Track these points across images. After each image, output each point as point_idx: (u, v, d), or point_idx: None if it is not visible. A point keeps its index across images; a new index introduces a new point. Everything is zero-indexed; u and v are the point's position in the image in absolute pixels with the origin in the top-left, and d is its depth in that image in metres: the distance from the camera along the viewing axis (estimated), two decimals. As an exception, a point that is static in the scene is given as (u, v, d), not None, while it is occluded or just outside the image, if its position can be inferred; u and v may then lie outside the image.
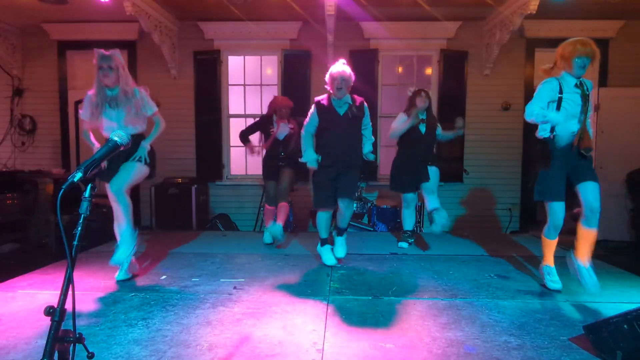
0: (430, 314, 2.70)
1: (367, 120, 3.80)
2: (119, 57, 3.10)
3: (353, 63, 6.28)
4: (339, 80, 3.52)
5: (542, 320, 2.61)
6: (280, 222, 4.37)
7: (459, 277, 3.50)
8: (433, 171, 4.32)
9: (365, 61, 6.35)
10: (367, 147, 3.86)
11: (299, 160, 4.46)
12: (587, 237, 2.99)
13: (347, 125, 3.67)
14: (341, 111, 3.67)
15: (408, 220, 4.54)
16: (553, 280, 3.17)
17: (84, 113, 3.26)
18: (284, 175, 4.58)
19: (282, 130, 4.58)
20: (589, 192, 2.94)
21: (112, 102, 3.13)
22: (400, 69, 6.81)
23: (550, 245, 3.22)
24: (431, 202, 4.31)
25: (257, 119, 4.91)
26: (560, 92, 2.96)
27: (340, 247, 3.96)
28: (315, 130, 3.80)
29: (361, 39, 6.36)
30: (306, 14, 5.81)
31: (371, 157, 3.88)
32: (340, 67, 3.57)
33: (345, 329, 2.48)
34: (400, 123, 4.22)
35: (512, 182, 6.44)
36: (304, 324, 2.55)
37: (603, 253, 4.75)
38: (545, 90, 3.00)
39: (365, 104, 3.79)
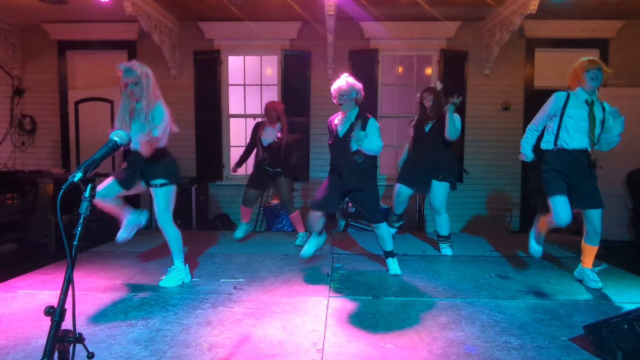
0: (430, 314, 2.70)
1: (370, 135, 3.46)
2: (142, 66, 3.03)
3: (353, 63, 6.37)
4: (337, 97, 3.46)
5: (542, 320, 2.61)
6: (301, 230, 4.72)
7: (459, 277, 3.50)
8: (439, 187, 4.11)
9: (365, 61, 6.35)
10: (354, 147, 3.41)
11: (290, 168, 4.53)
12: (591, 251, 3.28)
13: (345, 146, 3.46)
14: (341, 131, 3.53)
15: (396, 206, 4.37)
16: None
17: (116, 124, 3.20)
18: (281, 188, 4.53)
19: (267, 135, 4.47)
20: (594, 218, 3.14)
21: (135, 114, 3.09)
22: (400, 69, 6.81)
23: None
24: (438, 226, 4.27)
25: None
26: (565, 106, 3.10)
27: (393, 266, 3.63)
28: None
29: (361, 39, 6.36)
30: (306, 14, 5.81)
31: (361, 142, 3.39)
32: (338, 82, 3.45)
33: (345, 329, 2.48)
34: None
35: (512, 182, 6.44)
36: (304, 324, 2.55)
37: (603, 253, 4.74)
38: (550, 103, 3.21)
39: (374, 119, 3.52)
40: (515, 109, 6.31)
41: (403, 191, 4.29)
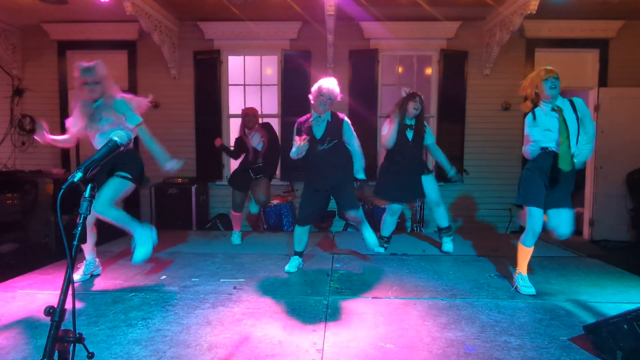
0: (430, 314, 2.70)
1: (348, 138, 3.58)
2: (103, 67, 3.05)
3: (353, 63, 6.37)
4: (326, 97, 3.40)
5: (542, 320, 2.61)
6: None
7: (459, 277, 3.50)
8: (429, 180, 4.18)
9: (365, 61, 6.35)
10: (356, 165, 3.66)
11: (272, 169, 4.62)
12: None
13: (326, 145, 3.52)
14: (318, 133, 3.53)
15: (386, 228, 4.38)
16: (526, 286, 3.11)
17: (69, 120, 3.23)
18: (261, 186, 4.56)
19: (256, 140, 4.55)
20: (562, 220, 3.06)
21: (95, 114, 3.10)
22: (400, 69, 6.81)
23: (526, 253, 3.16)
24: (439, 218, 4.27)
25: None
26: (535, 119, 3.10)
27: (367, 232, 3.74)
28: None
29: (361, 39, 6.36)
30: (306, 14, 5.81)
31: (361, 176, 3.67)
32: (331, 84, 3.44)
33: (345, 329, 2.48)
34: (387, 129, 4.05)
35: (512, 182, 6.38)
36: (304, 324, 2.55)
37: (603, 253, 4.75)
38: (527, 124, 3.15)
39: (347, 119, 3.58)
40: (515, 109, 6.30)
41: (396, 208, 4.31)
